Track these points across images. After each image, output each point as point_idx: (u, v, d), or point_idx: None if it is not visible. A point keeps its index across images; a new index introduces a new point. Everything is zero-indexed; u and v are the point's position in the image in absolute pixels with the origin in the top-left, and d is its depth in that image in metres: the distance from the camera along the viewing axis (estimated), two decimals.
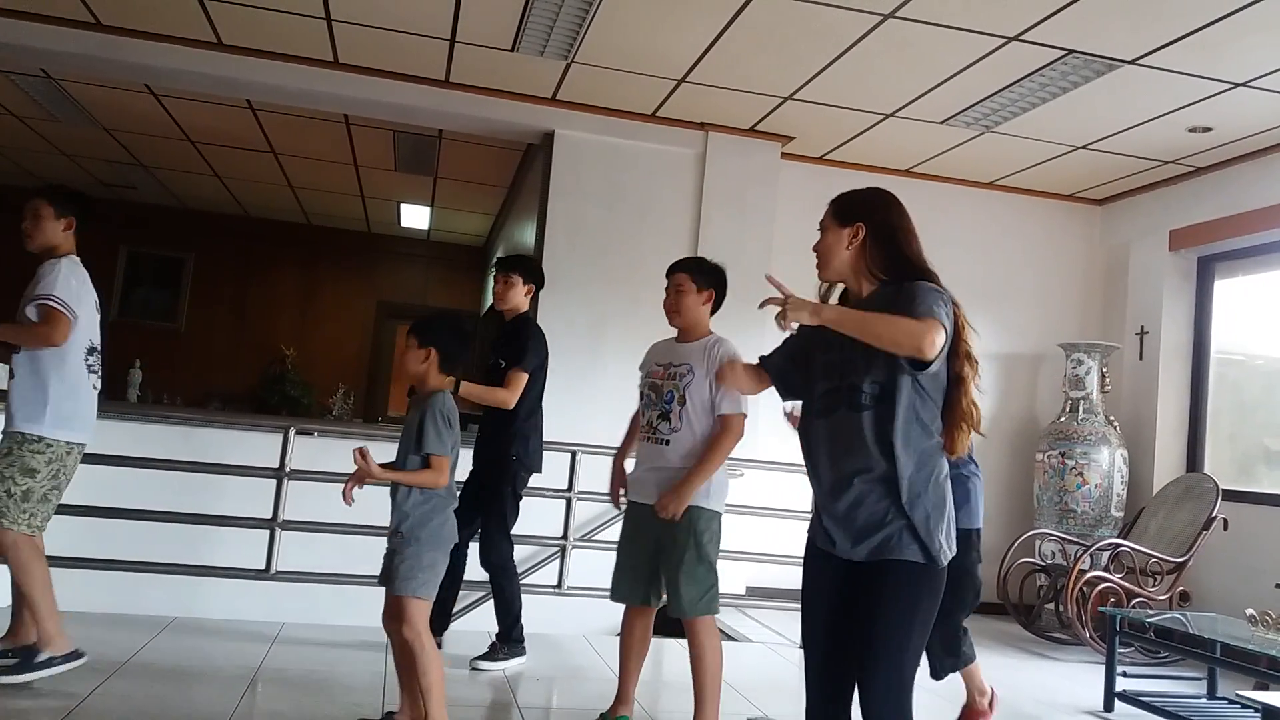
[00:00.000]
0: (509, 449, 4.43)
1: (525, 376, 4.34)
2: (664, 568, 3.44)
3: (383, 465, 3.18)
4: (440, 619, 4.58)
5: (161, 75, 6.26)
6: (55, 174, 9.77)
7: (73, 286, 3.59)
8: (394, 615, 3.18)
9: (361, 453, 3.11)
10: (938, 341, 2.22)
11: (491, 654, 4.39)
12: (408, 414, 3.33)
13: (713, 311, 3.60)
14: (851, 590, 2.39)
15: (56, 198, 3.77)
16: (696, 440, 3.41)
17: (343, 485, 3.21)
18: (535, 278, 4.69)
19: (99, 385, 3.79)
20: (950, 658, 3.77)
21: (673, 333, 3.63)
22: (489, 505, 4.45)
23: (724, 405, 3.42)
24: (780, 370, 2.69)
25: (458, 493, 3.38)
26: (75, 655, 3.59)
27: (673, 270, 3.62)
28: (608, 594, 3.59)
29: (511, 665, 4.39)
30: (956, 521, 3.16)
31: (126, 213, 10.56)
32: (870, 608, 2.33)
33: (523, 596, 4.51)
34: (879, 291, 2.43)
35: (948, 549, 2.36)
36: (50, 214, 3.72)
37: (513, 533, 4.49)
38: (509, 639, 4.43)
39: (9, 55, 6.07)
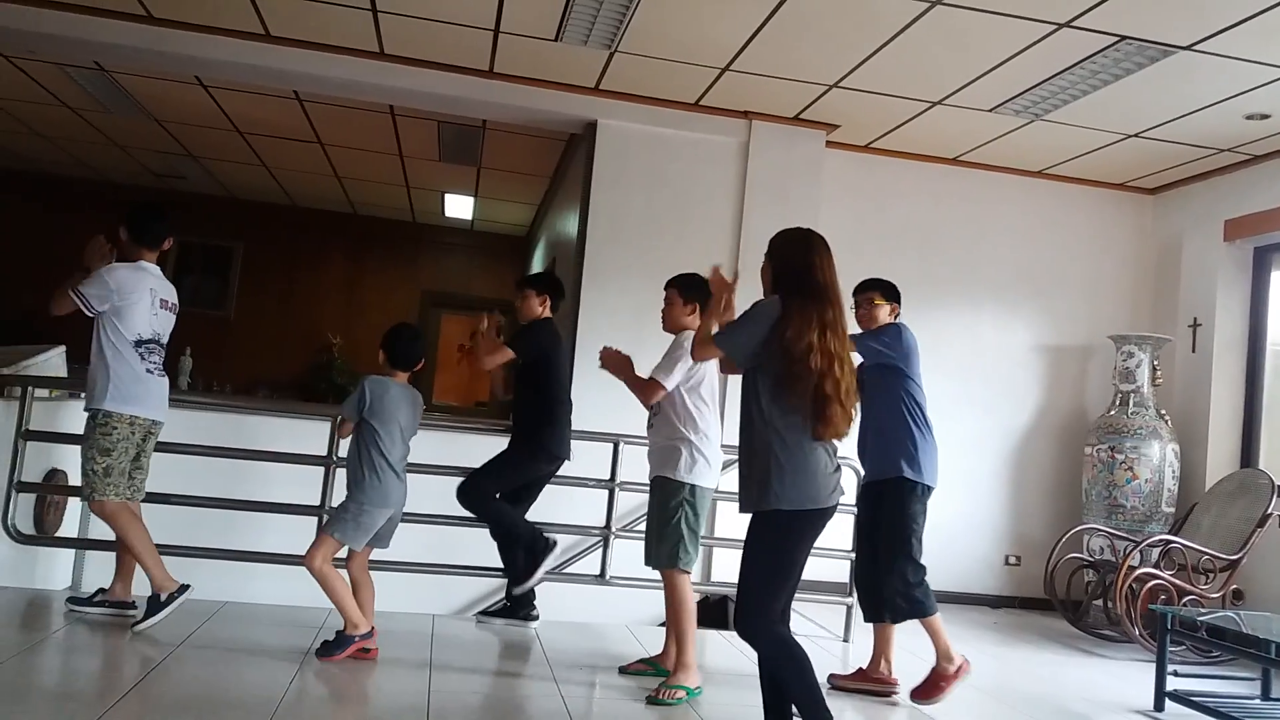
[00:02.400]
0: (529, 432, 4.71)
1: (509, 351, 4.62)
2: None
3: None
4: (530, 557, 4.79)
5: (211, 67, 6.36)
6: (107, 165, 9.97)
7: (104, 282, 4.05)
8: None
9: None
10: (711, 355, 3.20)
11: (500, 611, 4.83)
12: None
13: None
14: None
15: (127, 222, 4.25)
16: (671, 423, 4.00)
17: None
18: (546, 287, 4.84)
19: (155, 371, 4.23)
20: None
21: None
22: (493, 459, 4.70)
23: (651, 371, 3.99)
24: None
25: (390, 463, 3.98)
26: (185, 588, 4.16)
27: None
28: (650, 585, 3.62)
29: (512, 625, 4.72)
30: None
31: (176, 202, 10.73)
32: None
33: (541, 573, 4.67)
34: None
35: (784, 501, 2.85)
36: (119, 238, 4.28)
37: (555, 521, 4.66)
38: (517, 597, 4.73)
39: (64, 48, 6.21)
